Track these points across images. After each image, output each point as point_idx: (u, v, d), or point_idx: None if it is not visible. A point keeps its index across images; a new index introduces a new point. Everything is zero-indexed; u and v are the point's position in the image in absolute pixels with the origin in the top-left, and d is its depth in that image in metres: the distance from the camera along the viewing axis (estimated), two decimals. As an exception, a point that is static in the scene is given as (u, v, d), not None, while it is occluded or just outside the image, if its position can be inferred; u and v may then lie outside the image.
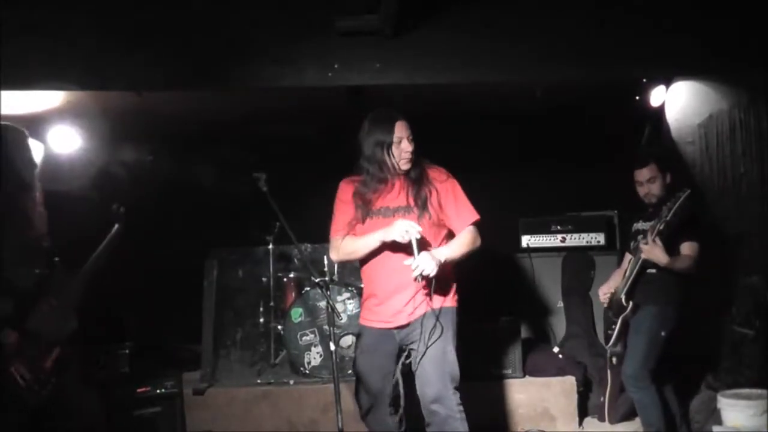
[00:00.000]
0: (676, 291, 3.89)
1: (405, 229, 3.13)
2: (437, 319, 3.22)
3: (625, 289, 3.91)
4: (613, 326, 4.03)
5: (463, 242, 3.32)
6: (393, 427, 3.37)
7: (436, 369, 3.18)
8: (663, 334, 3.85)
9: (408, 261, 3.14)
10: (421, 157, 3.39)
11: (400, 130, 3.32)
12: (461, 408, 3.16)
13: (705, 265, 3.89)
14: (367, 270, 3.40)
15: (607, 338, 4.13)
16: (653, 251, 3.73)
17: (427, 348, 3.20)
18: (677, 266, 3.79)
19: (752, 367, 4.25)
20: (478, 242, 3.37)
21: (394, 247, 3.22)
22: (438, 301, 3.27)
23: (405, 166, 3.33)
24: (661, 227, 3.69)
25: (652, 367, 3.85)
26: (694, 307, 4.04)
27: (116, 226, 3.58)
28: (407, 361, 3.30)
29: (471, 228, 3.35)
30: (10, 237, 2.99)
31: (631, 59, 4.12)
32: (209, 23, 3.97)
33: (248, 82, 4.11)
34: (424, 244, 3.20)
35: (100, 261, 3.43)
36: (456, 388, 3.19)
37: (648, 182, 4.00)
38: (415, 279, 3.12)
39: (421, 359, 3.21)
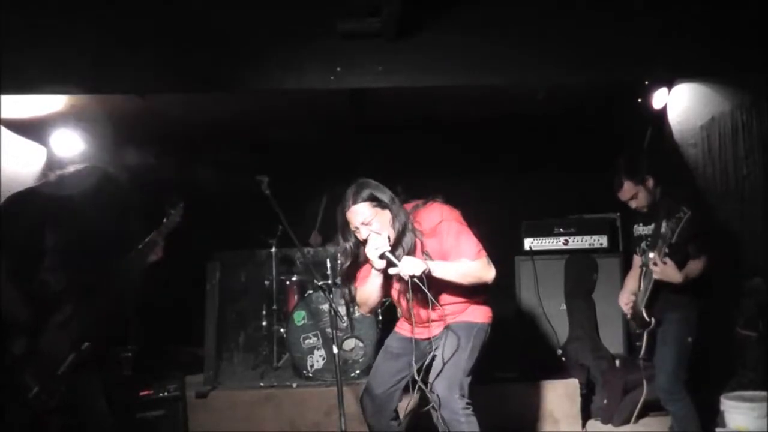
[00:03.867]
0: (696, 295, 3.81)
1: (374, 250, 3.05)
2: (456, 331, 3.25)
3: (644, 302, 3.79)
4: (641, 338, 3.89)
5: (459, 265, 3.16)
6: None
7: (444, 376, 3.20)
8: (690, 339, 3.77)
9: (393, 270, 3.06)
10: (400, 210, 3.18)
11: (350, 221, 3.13)
12: (467, 412, 3.16)
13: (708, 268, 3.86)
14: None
15: (637, 350, 3.99)
16: (665, 272, 3.63)
17: (440, 356, 3.23)
18: (691, 277, 3.69)
19: (756, 369, 4.23)
20: (485, 274, 3.19)
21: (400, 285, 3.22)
22: (462, 316, 3.30)
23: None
24: (667, 249, 3.59)
25: (685, 376, 3.75)
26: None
27: (165, 219, 3.34)
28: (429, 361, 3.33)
29: (480, 261, 3.19)
30: (50, 240, 2.95)
31: (633, 61, 4.11)
32: (211, 26, 3.98)
33: (251, 85, 4.11)
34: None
35: (139, 260, 3.23)
36: (463, 395, 3.19)
37: (631, 200, 3.91)
38: (407, 283, 3.06)
39: (433, 366, 3.26)
